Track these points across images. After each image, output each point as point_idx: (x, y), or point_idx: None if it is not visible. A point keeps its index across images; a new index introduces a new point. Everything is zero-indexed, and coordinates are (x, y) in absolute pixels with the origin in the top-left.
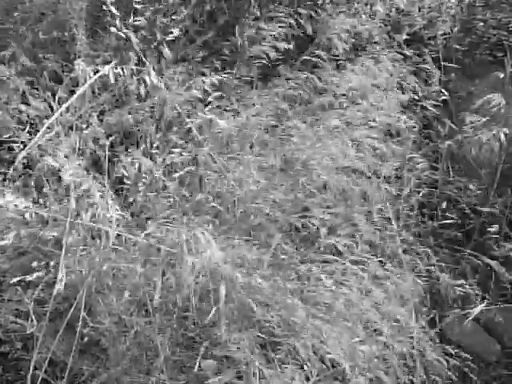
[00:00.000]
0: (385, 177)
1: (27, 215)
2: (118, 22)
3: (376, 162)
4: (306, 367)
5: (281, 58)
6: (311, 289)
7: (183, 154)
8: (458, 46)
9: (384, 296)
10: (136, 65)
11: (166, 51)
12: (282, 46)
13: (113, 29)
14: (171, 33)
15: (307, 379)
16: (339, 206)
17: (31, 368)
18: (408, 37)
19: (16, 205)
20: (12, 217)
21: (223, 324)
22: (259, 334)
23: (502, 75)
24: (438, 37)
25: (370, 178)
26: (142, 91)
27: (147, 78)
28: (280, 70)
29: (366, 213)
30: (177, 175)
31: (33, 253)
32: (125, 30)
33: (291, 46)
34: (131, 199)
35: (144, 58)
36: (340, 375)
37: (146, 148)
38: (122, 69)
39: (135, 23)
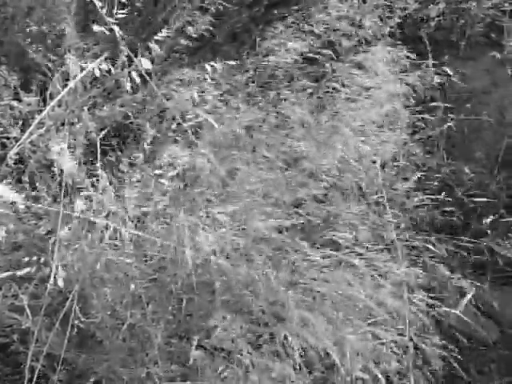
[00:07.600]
0: (381, 165)
1: (16, 208)
2: (104, 14)
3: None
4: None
5: None
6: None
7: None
8: (451, 28)
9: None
10: (127, 57)
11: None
12: None
13: (95, 26)
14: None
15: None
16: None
17: (28, 361)
18: (400, 20)
19: (6, 201)
20: (5, 212)
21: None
22: (251, 323)
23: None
24: (431, 19)
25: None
26: (129, 86)
27: (133, 73)
28: None
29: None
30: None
31: (27, 248)
32: (110, 20)
33: None
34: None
35: (130, 53)
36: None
37: (139, 142)
38: (113, 63)
39: (119, 16)
